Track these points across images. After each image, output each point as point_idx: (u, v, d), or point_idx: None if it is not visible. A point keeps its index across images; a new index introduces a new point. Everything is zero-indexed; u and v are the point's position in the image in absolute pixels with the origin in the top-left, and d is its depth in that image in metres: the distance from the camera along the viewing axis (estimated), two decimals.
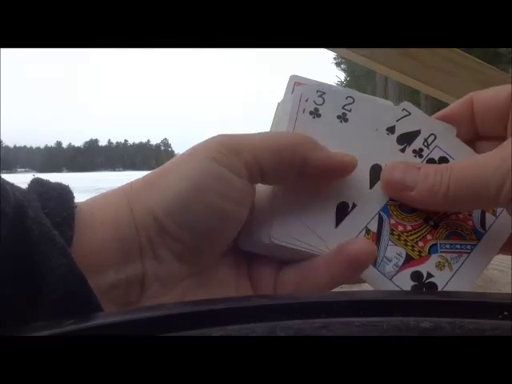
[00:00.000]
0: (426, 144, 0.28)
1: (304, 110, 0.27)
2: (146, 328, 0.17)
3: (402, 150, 0.28)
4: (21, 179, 0.23)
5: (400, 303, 0.19)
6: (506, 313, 0.17)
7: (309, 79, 0.30)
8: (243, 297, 0.26)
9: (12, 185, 0.22)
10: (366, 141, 0.28)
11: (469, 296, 0.20)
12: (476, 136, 0.29)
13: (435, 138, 0.28)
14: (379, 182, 0.27)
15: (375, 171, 0.27)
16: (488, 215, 0.28)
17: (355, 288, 0.44)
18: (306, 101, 0.27)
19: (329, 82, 0.30)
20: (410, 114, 0.28)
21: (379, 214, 0.27)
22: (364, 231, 0.26)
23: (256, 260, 0.27)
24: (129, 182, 0.25)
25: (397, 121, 0.28)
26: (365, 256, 0.24)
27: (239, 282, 0.27)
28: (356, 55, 0.80)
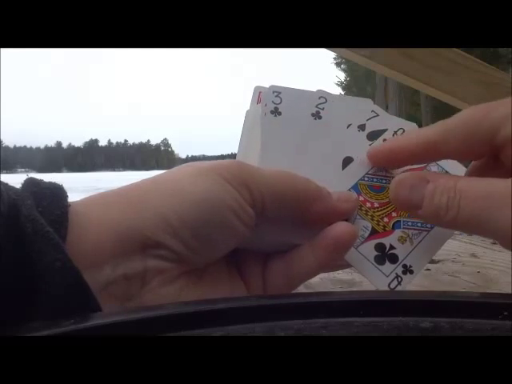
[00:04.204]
0: (395, 136, 0.31)
1: (265, 113, 0.30)
2: (146, 328, 0.17)
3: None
4: (21, 179, 0.23)
5: (400, 303, 0.19)
6: (505, 313, 0.17)
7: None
8: (243, 297, 0.26)
9: (6, 184, 0.22)
10: (339, 136, 0.31)
11: (469, 296, 0.20)
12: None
13: (403, 131, 0.31)
14: (351, 164, 0.30)
15: (347, 163, 0.30)
16: None
17: (355, 288, 0.44)
18: (265, 105, 0.30)
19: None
20: (377, 115, 0.31)
21: (350, 190, 0.29)
22: None
23: (243, 256, 0.28)
24: (130, 183, 0.26)
25: (366, 120, 0.31)
26: (348, 236, 0.26)
27: (231, 279, 0.28)
28: (356, 55, 0.80)
